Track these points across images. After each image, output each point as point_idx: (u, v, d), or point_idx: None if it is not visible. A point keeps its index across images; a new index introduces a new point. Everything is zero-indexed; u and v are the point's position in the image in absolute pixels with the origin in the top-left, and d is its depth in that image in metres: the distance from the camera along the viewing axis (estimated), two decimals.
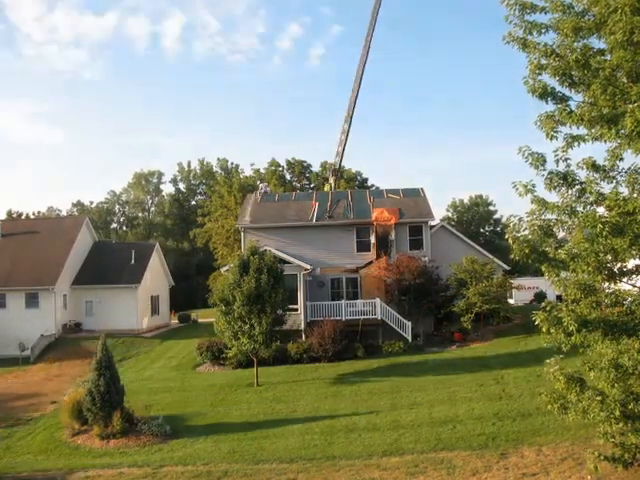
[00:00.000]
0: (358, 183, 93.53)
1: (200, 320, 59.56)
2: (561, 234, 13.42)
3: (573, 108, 13.01)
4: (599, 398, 13.53)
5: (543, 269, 13.32)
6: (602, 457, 14.76)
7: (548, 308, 13.58)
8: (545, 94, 12.90)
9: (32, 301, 48.40)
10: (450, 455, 20.79)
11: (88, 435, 26.17)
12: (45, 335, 46.13)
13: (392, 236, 43.90)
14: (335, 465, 20.92)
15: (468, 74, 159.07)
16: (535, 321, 13.88)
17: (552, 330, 13.29)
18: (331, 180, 60.22)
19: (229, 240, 76.20)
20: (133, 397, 28.07)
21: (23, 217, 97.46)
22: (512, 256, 13.52)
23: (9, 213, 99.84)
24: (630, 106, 12.11)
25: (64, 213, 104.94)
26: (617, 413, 13.18)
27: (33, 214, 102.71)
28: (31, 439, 27.53)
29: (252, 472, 20.91)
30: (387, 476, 19.50)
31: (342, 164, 62.35)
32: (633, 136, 12.30)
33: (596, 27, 12.42)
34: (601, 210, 12.48)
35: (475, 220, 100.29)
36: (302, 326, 38.98)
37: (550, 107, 13.07)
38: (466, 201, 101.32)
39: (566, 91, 12.89)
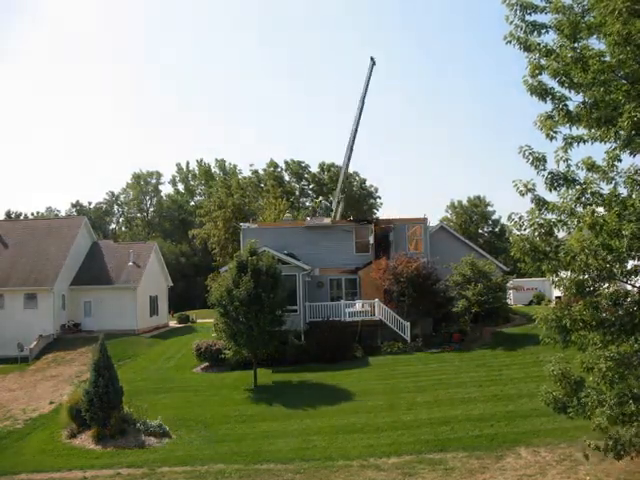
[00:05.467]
0: (357, 184, 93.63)
1: (198, 320, 59.60)
2: (562, 234, 13.42)
3: (571, 108, 13.00)
4: (597, 398, 13.52)
5: (543, 268, 13.31)
6: (595, 447, 14.75)
7: (547, 308, 13.60)
8: (544, 94, 12.90)
9: (31, 301, 48.34)
10: (448, 456, 20.79)
11: (86, 436, 26.11)
12: (43, 335, 46.03)
13: (391, 237, 43.97)
14: (333, 466, 20.89)
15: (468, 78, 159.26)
16: (534, 321, 13.88)
17: (551, 330, 13.29)
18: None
19: (227, 241, 76.24)
20: (131, 398, 28.02)
21: (22, 217, 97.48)
22: (512, 254, 13.52)
23: (8, 213, 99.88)
24: (627, 106, 12.09)
25: (63, 213, 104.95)
26: (615, 412, 13.17)
27: (32, 214, 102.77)
28: (29, 440, 27.50)
29: (249, 473, 20.90)
30: (384, 477, 19.50)
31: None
32: (631, 137, 12.29)
33: (596, 28, 12.41)
34: (601, 210, 12.47)
35: (474, 221, 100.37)
36: (301, 327, 38.95)
37: (549, 107, 13.08)
38: (465, 202, 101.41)
39: (566, 91, 12.89)
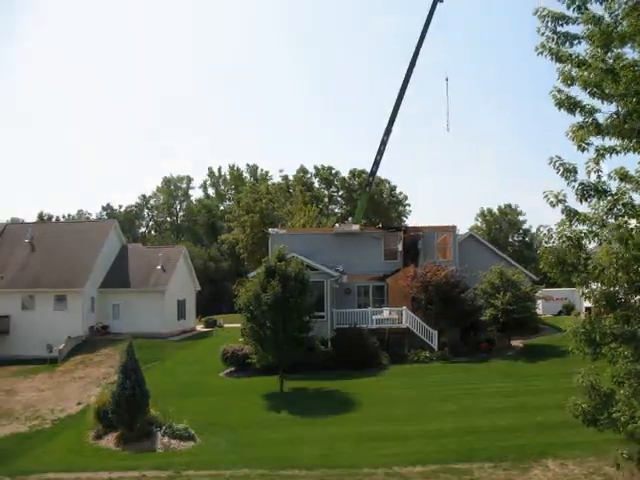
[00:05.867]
0: (387, 190, 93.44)
1: (226, 325, 59.72)
2: (592, 245, 13.26)
3: (600, 121, 12.83)
4: (629, 413, 13.30)
5: (573, 280, 13.17)
6: (627, 457, 14.53)
7: (577, 320, 13.44)
8: (573, 107, 12.78)
9: (60, 303, 48.82)
10: (474, 466, 20.64)
11: (113, 437, 26.32)
12: (72, 337, 46.43)
13: (420, 244, 43.81)
14: (357, 474, 20.85)
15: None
16: (564, 332, 13.72)
17: (581, 342, 13.12)
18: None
19: (255, 246, 76.48)
20: (158, 401, 28.15)
21: (54, 220, 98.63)
22: (541, 266, 13.39)
23: (40, 216, 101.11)
24: None
25: (93, 216, 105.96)
26: None
27: (63, 217, 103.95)
28: (56, 440, 27.80)
29: (274, 478, 20.98)
30: None
31: (377, 175, 61.70)
32: None
33: (629, 37, 12.27)
34: (634, 222, 12.29)
35: (504, 230, 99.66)
36: (328, 333, 38.84)
37: (579, 119, 12.93)
38: (495, 210, 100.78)
39: (597, 103, 12.76)
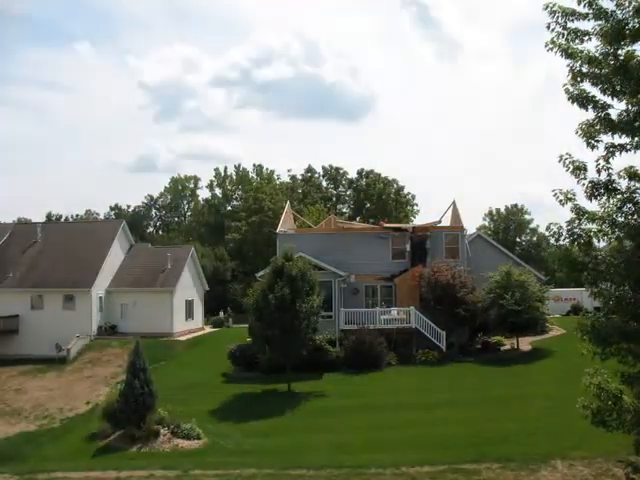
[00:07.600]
0: (394, 191, 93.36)
1: (233, 325, 59.77)
2: (602, 244, 13.19)
3: (614, 117, 12.77)
4: (636, 414, 13.21)
5: (582, 279, 13.11)
6: (632, 468, 14.48)
7: (586, 317, 13.38)
8: (586, 102, 12.71)
9: (69, 302, 48.95)
10: (482, 467, 20.57)
11: (121, 436, 26.36)
12: (81, 336, 46.54)
13: (428, 244, 43.68)
14: (365, 474, 20.81)
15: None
16: (573, 332, 13.65)
17: (589, 340, 13.05)
18: None
19: (263, 245, 76.57)
20: (165, 400, 28.19)
21: (62, 220, 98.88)
22: (551, 262, 13.38)
23: (48, 216, 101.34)
24: None
25: (102, 216, 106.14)
26: None
27: (72, 217, 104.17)
28: (65, 439, 27.92)
29: (281, 478, 20.97)
30: None
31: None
32: None
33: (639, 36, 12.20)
34: None
35: (511, 230, 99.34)
36: (336, 333, 38.79)
37: (591, 114, 12.87)
38: (502, 210, 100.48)
39: (608, 99, 12.68)
